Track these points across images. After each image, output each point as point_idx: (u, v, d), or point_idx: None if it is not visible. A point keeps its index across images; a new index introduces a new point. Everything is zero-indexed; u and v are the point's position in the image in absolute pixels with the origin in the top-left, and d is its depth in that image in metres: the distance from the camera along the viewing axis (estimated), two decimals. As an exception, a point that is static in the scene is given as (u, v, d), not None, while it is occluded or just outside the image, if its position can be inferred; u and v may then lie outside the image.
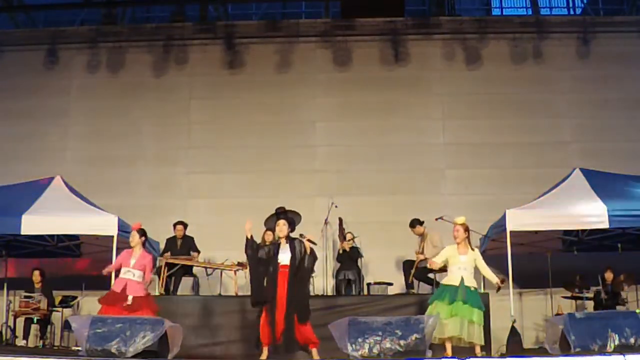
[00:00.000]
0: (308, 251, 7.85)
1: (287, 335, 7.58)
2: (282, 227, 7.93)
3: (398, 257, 11.62)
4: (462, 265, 7.87)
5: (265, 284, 7.83)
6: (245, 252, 8.00)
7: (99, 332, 7.20)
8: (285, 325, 7.58)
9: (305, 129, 13.19)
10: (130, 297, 7.96)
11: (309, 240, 7.94)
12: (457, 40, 13.30)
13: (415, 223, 10.95)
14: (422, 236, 10.87)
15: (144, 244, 8.41)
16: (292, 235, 8.02)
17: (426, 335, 7.24)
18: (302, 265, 7.80)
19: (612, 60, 13.06)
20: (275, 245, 7.99)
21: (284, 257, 7.83)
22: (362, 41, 13.42)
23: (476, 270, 8.04)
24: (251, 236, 7.92)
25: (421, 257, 10.65)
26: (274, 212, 8.14)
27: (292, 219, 8.08)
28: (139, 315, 7.75)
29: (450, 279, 7.90)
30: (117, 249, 9.99)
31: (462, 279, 7.78)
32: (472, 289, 7.84)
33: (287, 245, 7.88)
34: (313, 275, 9.36)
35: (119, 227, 10.23)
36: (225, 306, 10.00)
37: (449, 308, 7.68)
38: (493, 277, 8.01)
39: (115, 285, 8.16)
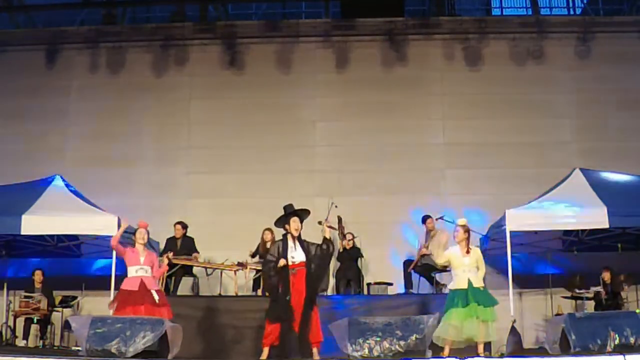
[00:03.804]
0: (328, 235, 7.84)
1: (302, 336, 7.56)
2: (297, 224, 7.88)
3: (398, 257, 11.63)
4: (466, 267, 7.88)
5: (277, 283, 7.78)
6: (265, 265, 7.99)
7: (99, 332, 7.21)
8: (301, 326, 7.55)
9: (305, 129, 13.18)
10: (154, 292, 7.95)
11: (329, 226, 7.90)
12: (457, 40, 13.28)
13: (426, 217, 11.03)
14: (431, 232, 10.89)
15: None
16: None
17: (426, 336, 7.25)
18: (320, 261, 7.79)
19: (612, 60, 13.04)
20: (281, 242, 7.93)
21: (298, 255, 7.78)
22: (362, 41, 13.40)
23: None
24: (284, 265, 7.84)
25: (425, 251, 10.66)
26: (283, 211, 8.04)
27: (302, 216, 8.03)
28: (161, 312, 7.78)
29: (458, 283, 7.90)
30: (117, 249, 10.00)
31: (470, 282, 7.78)
32: (481, 288, 7.84)
33: (298, 243, 7.84)
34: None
35: (118, 227, 10.22)
36: (225, 306, 10.00)
37: (464, 311, 7.68)
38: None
39: (129, 284, 8.04)
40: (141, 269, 8.08)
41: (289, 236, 7.90)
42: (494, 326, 7.83)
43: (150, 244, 10.41)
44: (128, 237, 9.33)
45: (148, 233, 8.41)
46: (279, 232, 9.56)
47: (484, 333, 7.73)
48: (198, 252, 11.06)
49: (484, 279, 8.05)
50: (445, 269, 10.06)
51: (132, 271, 8.10)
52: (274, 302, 7.81)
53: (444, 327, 7.68)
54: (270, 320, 7.76)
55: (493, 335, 7.82)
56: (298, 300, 7.63)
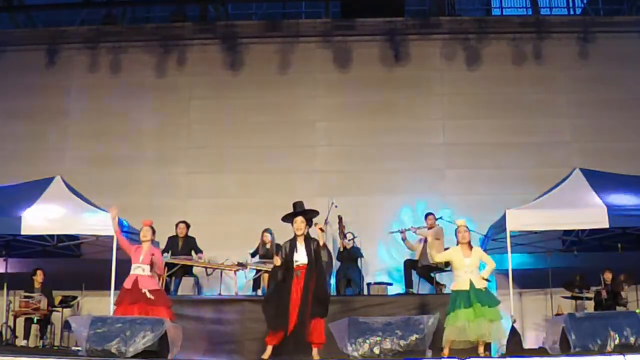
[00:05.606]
0: (321, 242, 7.73)
1: (298, 333, 7.51)
2: (299, 224, 7.79)
3: (398, 257, 11.63)
4: (467, 268, 7.82)
5: (279, 288, 7.76)
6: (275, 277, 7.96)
7: (99, 332, 7.21)
8: (297, 323, 7.51)
9: (305, 129, 13.17)
10: (146, 291, 7.95)
11: (320, 229, 7.79)
12: (457, 40, 13.28)
13: (427, 215, 11.05)
14: (431, 229, 10.91)
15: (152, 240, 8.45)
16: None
17: (426, 336, 7.25)
18: (320, 263, 7.72)
19: (612, 60, 13.03)
20: (289, 243, 7.88)
21: (300, 257, 7.72)
22: (362, 41, 13.40)
23: None
24: (280, 264, 7.78)
25: (412, 229, 10.83)
26: (292, 208, 8.00)
27: (308, 216, 7.95)
28: (157, 311, 7.78)
29: (459, 284, 7.83)
30: (117, 249, 10.00)
31: (472, 283, 7.75)
32: (483, 289, 7.81)
33: (304, 244, 7.79)
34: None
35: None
36: (226, 306, 9.99)
37: (468, 311, 7.63)
38: (484, 275, 8.00)
39: (126, 282, 8.12)
40: (138, 267, 8.11)
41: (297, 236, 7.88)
42: (501, 325, 7.81)
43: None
44: (128, 236, 9.36)
45: (153, 230, 8.40)
46: (278, 233, 9.57)
47: (492, 333, 7.70)
48: (202, 252, 11.06)
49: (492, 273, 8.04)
50: (444, 268, 10.09)
51: (132, 269, 8.17)
52: (272, 308, 7.76)
53: (450, 330, 7.65)
54: (272, 329, 7.71)
55: (501, 334, 7.81)
56: (299, 301, 7.58)
